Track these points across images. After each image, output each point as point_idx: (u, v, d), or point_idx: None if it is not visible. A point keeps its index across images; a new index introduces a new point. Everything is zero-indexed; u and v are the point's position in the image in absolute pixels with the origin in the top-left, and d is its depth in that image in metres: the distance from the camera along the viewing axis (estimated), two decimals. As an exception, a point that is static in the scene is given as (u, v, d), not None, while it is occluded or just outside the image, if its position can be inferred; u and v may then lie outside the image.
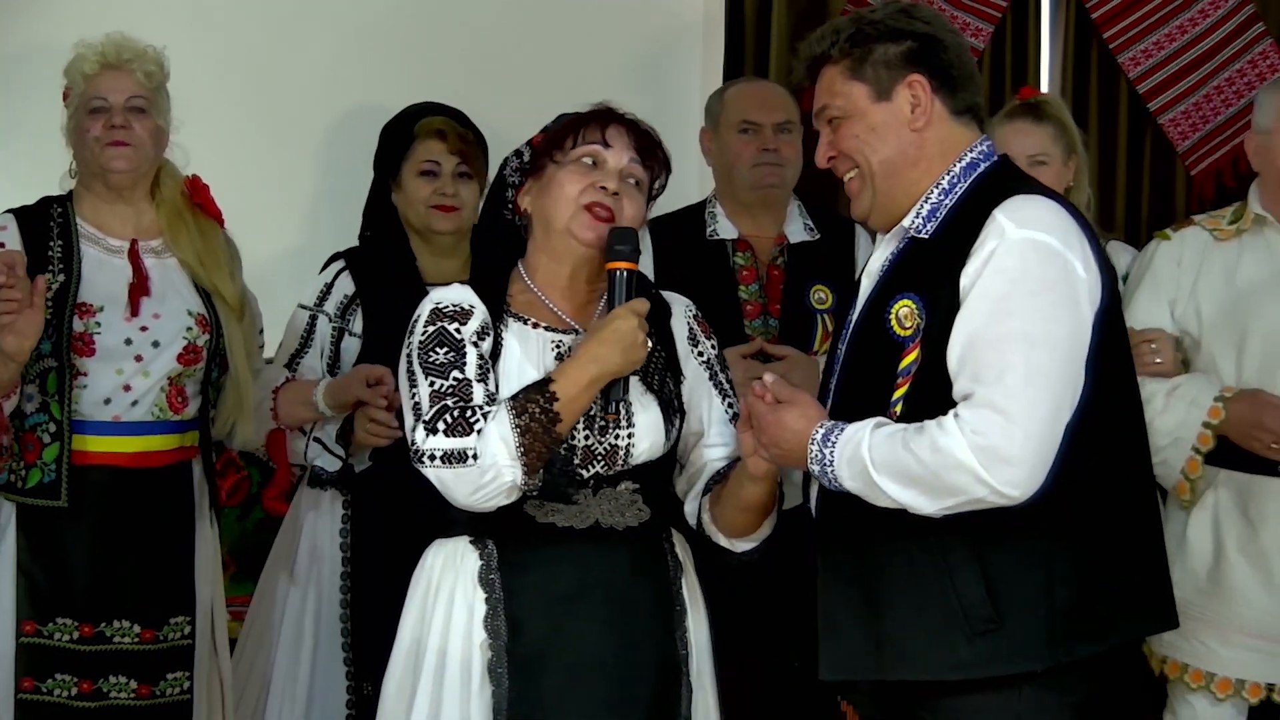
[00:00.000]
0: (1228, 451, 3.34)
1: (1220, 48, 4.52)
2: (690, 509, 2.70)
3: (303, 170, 4.60)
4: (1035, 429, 2.32)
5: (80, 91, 3.33)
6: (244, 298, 3.45)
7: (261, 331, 3.59)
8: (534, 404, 2.46)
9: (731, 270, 3.75)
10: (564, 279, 2.63)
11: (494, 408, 2.48)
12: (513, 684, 2.49)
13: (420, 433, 2.47)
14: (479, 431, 2.45)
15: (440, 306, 2.56)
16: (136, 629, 3.27)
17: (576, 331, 2.61)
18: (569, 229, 2.57)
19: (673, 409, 2.62)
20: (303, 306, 3.59)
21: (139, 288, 3.29)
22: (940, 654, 2.42)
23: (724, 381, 2.72)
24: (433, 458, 2.46)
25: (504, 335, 2.57)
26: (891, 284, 2.53)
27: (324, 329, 3.56)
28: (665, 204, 4.38)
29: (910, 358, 2.44)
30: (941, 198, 2.52)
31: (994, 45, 4.60)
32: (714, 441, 2.68)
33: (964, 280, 2.40)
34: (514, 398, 2.48)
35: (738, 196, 3.84)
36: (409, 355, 2.55)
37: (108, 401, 3.26)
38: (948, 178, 2.53)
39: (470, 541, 2.56)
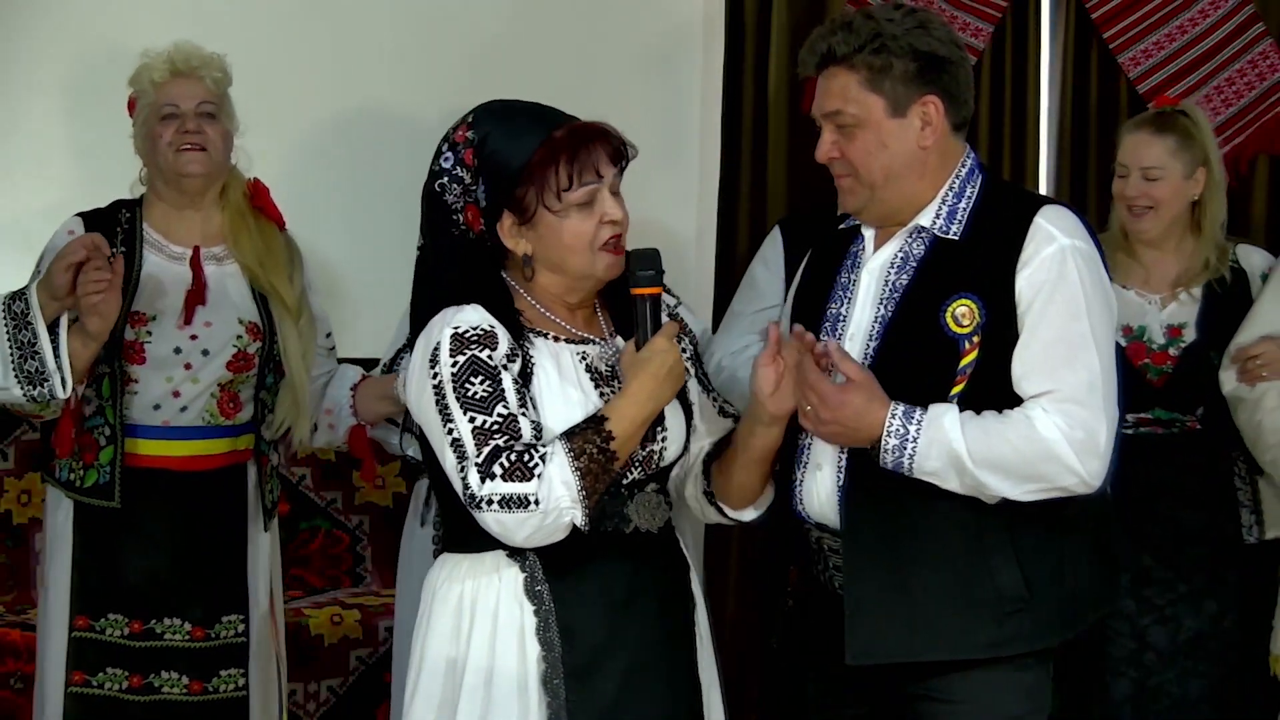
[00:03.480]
0: None
1: (1220, 48, 4.52)
2: (691, 493, 2.71)
3: (303, 169, 4.59)
4: (1109, 425, 2.52)
5: (150, 100, 3.36)
6: (303, 300, 3.47)
7: (329, 334, 3.60)
8: (591, 445, 2.42)
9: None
10: (573, 300, 2.59)
11: (549, 448, 2.42)
12: (569, 694, 2.47)
13: (474, 477, 2.39)
14: (539, 475, 2.39)
15: (462, 332, 2.45)
16: (187, 626, 3.32)
17: (592, 341, 2.58)
18: (593, 274, 2.54)
19: (688, 407, 2.64)
20: None
21: (196, 295, 3.33)
22: (974, 633, 2.55)
23: (703, 375, 2.74)
24: (490, 503, 2.39)
25: (532, 355, 2.51)
26: (934, 283, 2.57)
27: None
28: (664, 204, 4.39)
29: (970, 357, 2.52)
30: (956, 200, 2.62)
31: (994, 45, 4.60)
32: (704, 433, 2.69)
33: (1021, 283, 2.52)
34: (570, 437, 2.43)
35: None
36: (438, 387, 2.44)
37: (157, 407, 3.31)
38: (956, 181, 2.63)
39: (508, 555, 2.50)
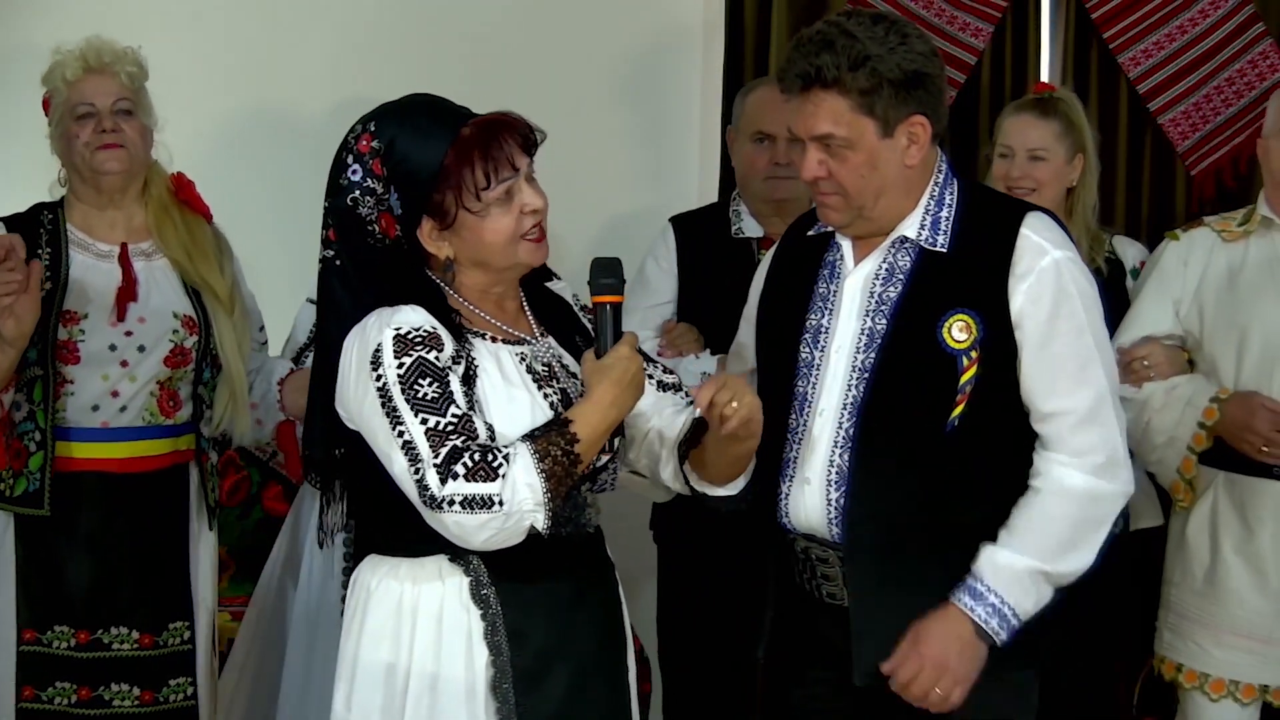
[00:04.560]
0: (1225, 453, 3.35)
1: (1220, 48, 4.52)
2: (668, 474, 2.66)
3: (302, 168, 4.59)
4: (1121, 429, 2.61)
5: (64, 99, 3.30)
6: (234, 291, 3.42)
7: (262, 329, 3.58)
8: (555, 447, 2.39)
9: (756, 268, 3.74)
10: (497, 294, 2.57)
11: (512, 449, 2.39)
12: (519, 698, 2.46)
13: (433, 478, 2.35)
14: (503, 476, 2.36)
15: (405, 333, 2.41)
16: (135, 635, 3.26)
17: (526, 341, 2.56)
18: (516, 262, 2.52)
19: None
20: (311, 301, 3.56)
21: (126, 292, 3.28)
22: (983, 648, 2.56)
23: (648, 352, 2.70)
24: (451, 504, 2.35)
25: (475, 357, 2.48)
26: (928, 298, 2.57)
27: None
28: (663, 203, 4.39)
29: (970, 373, 2.53)
30: (937, 209, 2.61)
31: (994, 45, 4.60)
32: (649, 413, 2.64)
33: (1019, 298, 2.54)
34: (533, 439, 2.41)
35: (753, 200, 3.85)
36: (383, 390, 2.39)
37: (96, 408, 3.25)
38: (935, 189, 2.63)
39: (450, 560, 2.48)
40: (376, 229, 2.51)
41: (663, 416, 2.65)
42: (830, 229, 2.68)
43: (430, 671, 2.46)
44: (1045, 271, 2.54)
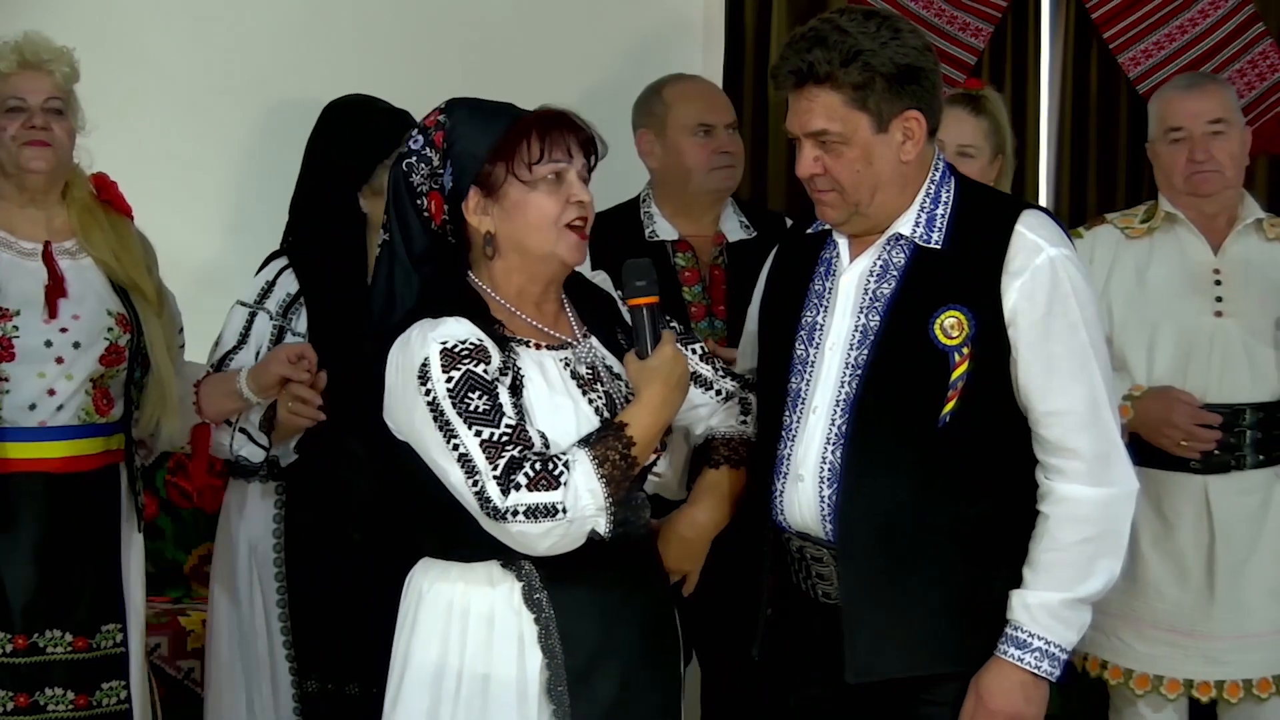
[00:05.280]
0: (1141, 449, 3.32)
1: (1220, 48, 4.52)
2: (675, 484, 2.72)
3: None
4: (1117, 425, 2.57)
5: None
6: (162, 292, 3.41)
7: (181, 331, 3.55)
8: (614, 451, 2.42)
9: (674, 271, 3.68)
10: (537, 295, 2.57)
11: (570, 455, 2.41)
12: (573, 700, 2.46)
13: (494, 490, 2.36)
14: (565, 484, 2.37)
15: (451, 347, 2.41)
16: (69, 638, 3.23)
17: (569, 344, 2.57)
18: (556, 253, 2.53)
19: None
20: (242, 304, 3.49)
21: (55, 289, 3.24)
22: (975, 646, 2.56)
23: None
24: (515, 514, 2.36)
25: (520, 367, 2.49)
26: (921, 294, 2.57)
27: (262, 327, 3.45)
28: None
29: (961, 369, 2.52)
30: (933, 207, 2.61)
31: (994, 45, 4.60)
32: (697, 403, 2.68)
33: (1013, 294, 2.52)
34: (590, 445, 2.42)
35: (684, 198, 3.75)
36: (433, 404, 2.39)
37: (33, 407, 3.21)
38: (931, 186, 2.62)
39: (502, 566, 2.48)
40: (425, 206, 2.54)
41: (696, 414, 2.70)
42: (828, 226, 2.68)
43: (481, 674, 2.47)
44: (1040, 269, 2.53)
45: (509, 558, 2.47)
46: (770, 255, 2.86)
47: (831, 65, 2.52)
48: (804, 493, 2.60)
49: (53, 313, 3.23)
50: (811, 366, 2.62)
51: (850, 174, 2.56)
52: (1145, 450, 3.34)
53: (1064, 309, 2.53)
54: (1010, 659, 2.52)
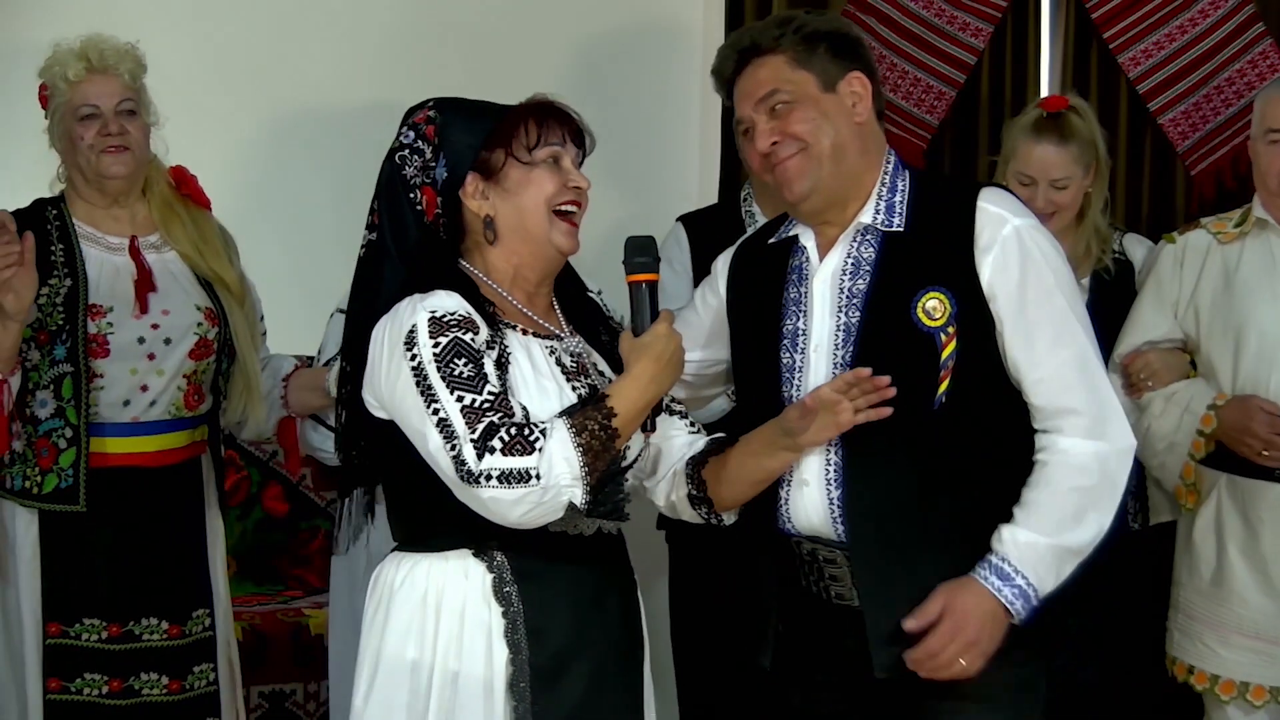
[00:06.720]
0: (1226, 457, 3.35)
1: (1220, 48, 4.52)
2: (670, 495, 2.69)
3: (303, 168, 4.60)
4: (1109, 384, 2.61)
5: (66, 99, 3.29)
6: (244, 282, 3.44)
7: (262, 319, 3.58)
8: (593, 421, 2.40)
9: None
10: (532, 284, 2.59)
11: (549, 424, 2.40)
12: (535, 698, 2.45)
13: (469, 452, 2.34)
14: (540, 450, 2.36)
15: (440, 315, 2.42)
16: (164, 625, 3.30)
17: (556, 336, 2.58)
18: (550, 239, 2.54)
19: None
20: (341, 311, 3.54)
21: (144, 283, 3.29)
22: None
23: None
24: (489, 478, 2.34)
25: (507, 345, 2.49)
26: (897, 281, 2.58)
27: None
28: (663, 203, 4.40)
29: (950, 348, 2.54)
30: (890, 195, 2.64)
31: (994, 45, 4.60)
32: (670, 428, 2.68)
33: (986, 269, 2.55)
34: (569, 415, 2.42)
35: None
36: (418, 369, 2.39)
37: (126, 403, 3.27)
38: (886, 176, 2.65)
39: (474, 555, 2.48)
40: (417, 200, 2.54)
41: (666, 435, 2.68)
42: (792, 233, 2.68)
43: (452, 668, 2.46)
44: (1008, 240, 2.55)
45: (480, 546, 2.46)
46: (721, 258, 2.84)
47: (769, 37, 2.63)
48: (810, 496, 2.60)
49: (143, 308, 3.27)
50: (800, 372, 2.63)
51: (808, 125, 2.60)
52: (1230, 458, 3.34)
53: (1038, 276, 2.56)
54: (990, 586, 2.52)
